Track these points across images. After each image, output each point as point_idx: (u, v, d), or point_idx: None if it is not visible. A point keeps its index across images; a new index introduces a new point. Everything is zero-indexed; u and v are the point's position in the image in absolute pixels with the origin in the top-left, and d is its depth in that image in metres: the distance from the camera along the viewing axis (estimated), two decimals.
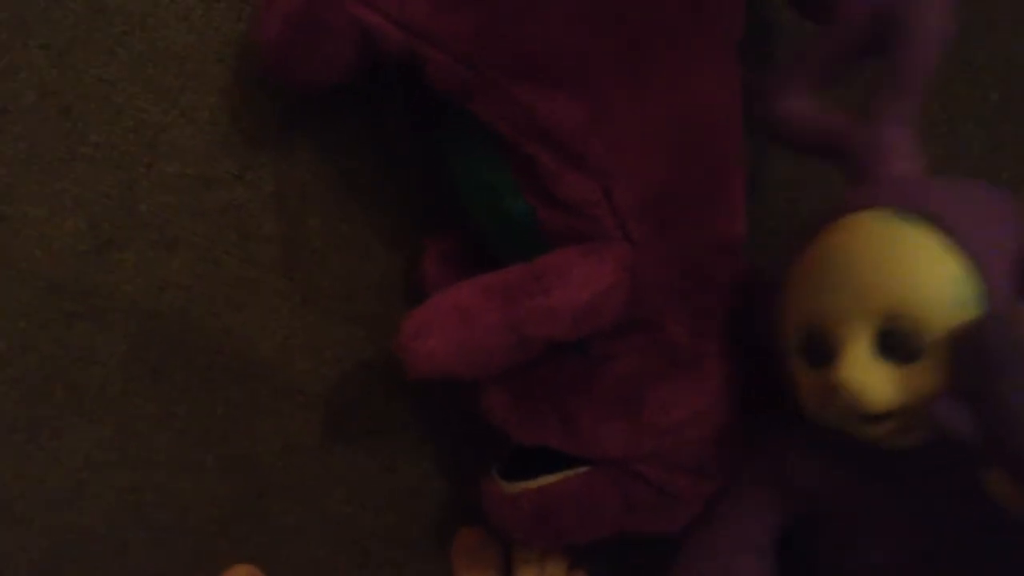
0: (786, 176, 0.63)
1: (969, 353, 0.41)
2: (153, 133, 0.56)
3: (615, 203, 0.47)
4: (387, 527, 0.65)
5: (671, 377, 0.51)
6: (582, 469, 0.52)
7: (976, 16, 0.61)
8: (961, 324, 0.42)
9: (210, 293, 0.59)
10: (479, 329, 0.46)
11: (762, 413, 0.54)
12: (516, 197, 0.49)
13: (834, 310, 0.45)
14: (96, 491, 0.60)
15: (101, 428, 0.60)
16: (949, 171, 0.61)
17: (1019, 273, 0.44)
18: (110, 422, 0.60)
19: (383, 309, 0.60)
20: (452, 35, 0.46)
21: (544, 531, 0.54)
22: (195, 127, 0.57)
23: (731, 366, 0.52)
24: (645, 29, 0.46)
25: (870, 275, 0.44)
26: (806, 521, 0.53)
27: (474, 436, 0.60)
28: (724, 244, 0.51)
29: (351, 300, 0.60)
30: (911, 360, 0.43)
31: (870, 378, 0.44)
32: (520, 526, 0.54)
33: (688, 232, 0.49)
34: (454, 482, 0.65)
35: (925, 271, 0.43)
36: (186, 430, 0.61)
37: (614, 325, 0.49)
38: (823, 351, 0.46)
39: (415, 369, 0.46)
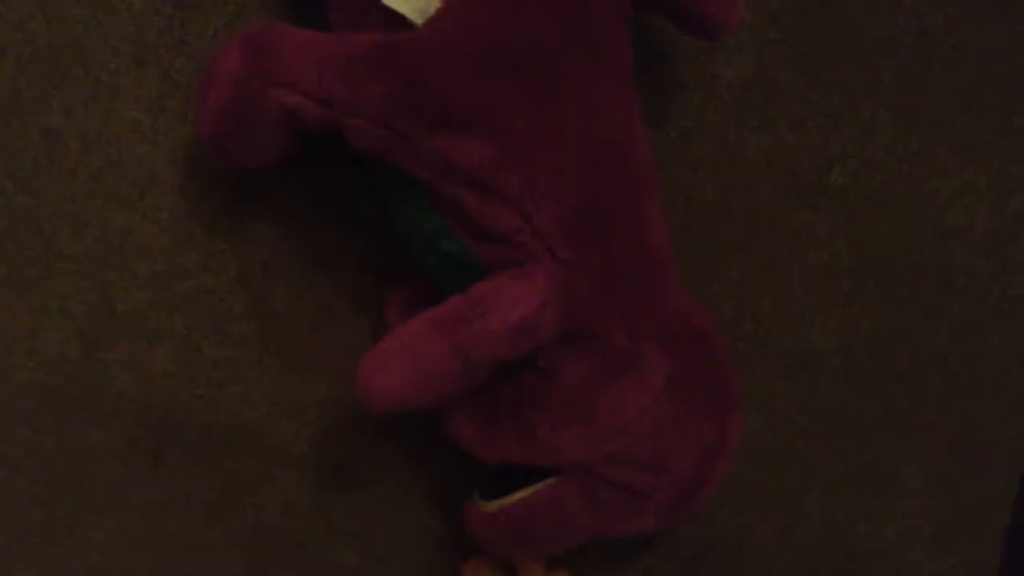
0: (712, 179, 0.67)
1: None
2: (120, 238, 0.61)
3: (538, 228, 0.51)
4: (394, 571, 0.68)
5: (617, 379, 0.55)
6: (551, 480, 0.56)
7: (856, 2, 0.66)
8: None
9: (193, 377, 0.63)
10: (427, 359, 0.50)
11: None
12: (448, 237, 0.53)
13: None
14: None
15: (110, 519, 0.64)
16: (862, 155, 0.66)
17: None
18: (118, 513, 0.64)
19: (358, 364, 0.64)
20: (366, 102, 0.50)
21: (524, 543, 0.57)
22: (157, 226, 0.61)
23: (668, 361, 0.56)
24: (548, 72, 0.51)
25: None
26: None
27: (463, 468, 0.64)
28: (648, 250, 0.55)
29: (326, 361, 0.64)
30: None
31: None
32: (501, 542, 0.58)
33: (611, 244, 0.53)
34: (452, 516, 0.68)
35: None
36: (190, 509, 0.64)
37: (556, 338, 0.53)
38: None
39: (374, 405, 0.50)
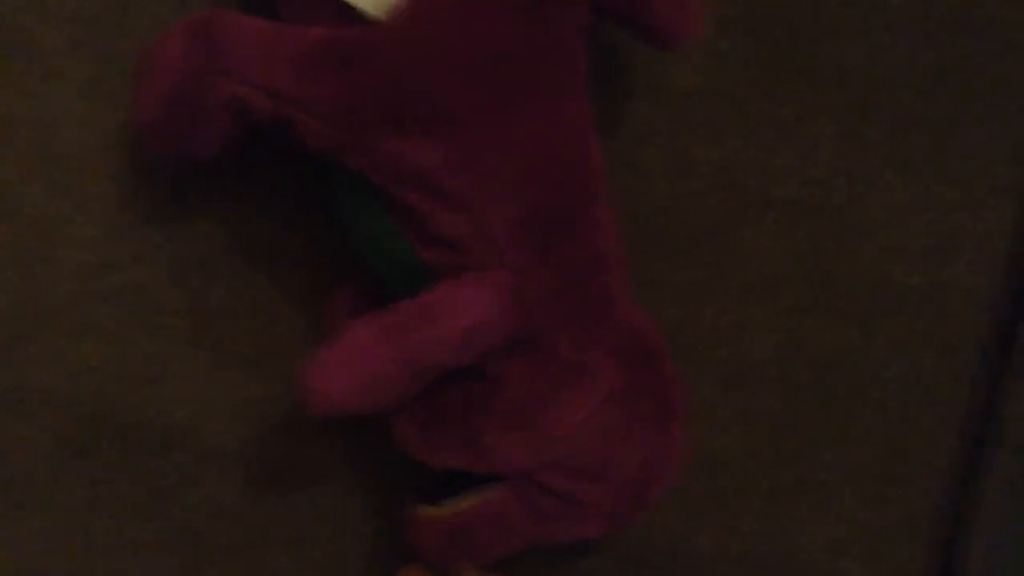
0: (659, 188, 0.67)
1: None
2: (50, 227, 0.59)
3: (489, 235, 0.51)
4: None
5: (561, 388, 0.54)
6: (492, 487, 0.55)
7: (807, 20, 0.66)
8: None
9: (123, 373, 0.61)
10: (373, 364, 0.49)
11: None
12: (397, 239, 0.52)
13: None
14: None
15: (34, 519, 0.61)
16: (807, 171, 0.67)
17: None
18: (43, 512, 0.61)
19: (295, 364, 0.63)
20: (317, 99, 0.49)
21: (462, 551, 0.57)
22: (90, 216, 0.59)
23: (612, 371, 0.56)
24: (505, 77, 0.51)
25: None
26: None
27: (404, 473, 0.63)
28: (597, 259, 0.55)
29: (263, 360, 0.63)
30: None
31: None
32: (439, 549, 0.57)
33: (562, 253, 0.53)
34: (390, 521, 0.67)
35: None
36: (119, 509, 0.62)
37: (504, 345, 0.52)
38: None
39: (317, 408, 0.49)
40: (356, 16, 0.52)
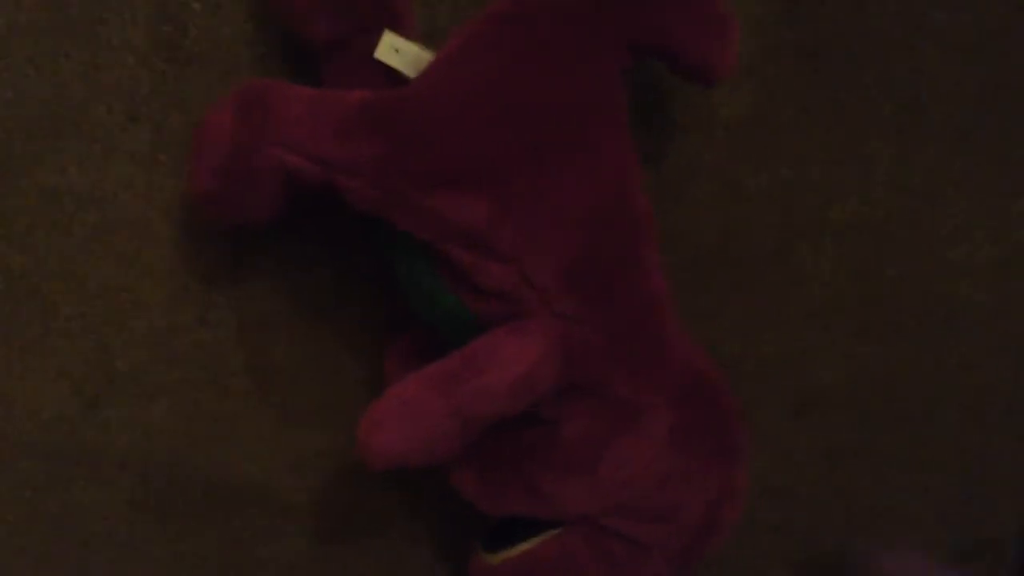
0: (712, 219, 0.66)
1: None
2: (117, 295, 0.61)
3: (535, 283, 0.51)
4: None
5: (620, 432, 0.54)
6: (556, 531, 0.55)
7: (854, 41, 0.65)
8: None
9: (194, 432, 0.62)
10: (425, 417, 0.50)
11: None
12: (446, 294, 0.53)
13: None
14: None
15: None
16: (864, 191, 0.65)
17: None
18: (122, 572, 0.63)
19: (358, 415, 0.64)
20: (359, 163, 0.50)
21: None
22: (154, 282, 0.61)
23: (672, 412, 0.55)
24: (544, 126, 0.51)
25: None
26: None
27: (466, 517, 0.63)
28: (648, 300, 0.54)
29: (326, 413, 0.64)
30: None
31: None
32: None
33: (611, 296, 0.53)
34: (455, 566, 0.67)
35: None
36: (195, 565, 0.64)
37: (557, 391, 0.52)
38: None
39: (373, 463, 0.49)
40: (396, 77, 0.53)
